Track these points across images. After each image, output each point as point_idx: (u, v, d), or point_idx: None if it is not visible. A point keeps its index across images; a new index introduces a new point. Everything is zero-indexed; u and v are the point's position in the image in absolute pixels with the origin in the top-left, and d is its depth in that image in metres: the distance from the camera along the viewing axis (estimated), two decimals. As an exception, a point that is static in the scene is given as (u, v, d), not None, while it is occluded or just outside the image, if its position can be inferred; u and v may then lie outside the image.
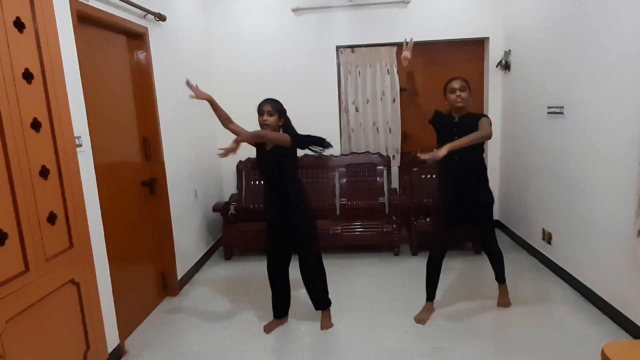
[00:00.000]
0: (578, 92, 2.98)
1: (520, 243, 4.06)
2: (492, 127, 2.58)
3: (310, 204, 2.72)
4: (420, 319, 2.78)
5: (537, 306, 2.92)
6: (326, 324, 2.78)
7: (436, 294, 2.87)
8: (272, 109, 2.53)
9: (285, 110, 2.60)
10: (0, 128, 1.48)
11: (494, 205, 2.87)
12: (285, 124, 2.61)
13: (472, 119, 2.62)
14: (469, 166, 2.66)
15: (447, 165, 2.61)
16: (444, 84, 2.69)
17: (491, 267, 2.94)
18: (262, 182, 4.15)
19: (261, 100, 2.57)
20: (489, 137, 2.52)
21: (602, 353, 1.64)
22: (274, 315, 2.83)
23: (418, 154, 2.52)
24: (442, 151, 2.29)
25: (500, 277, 2.94)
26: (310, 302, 2.82)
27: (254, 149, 2.65)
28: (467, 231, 3.58)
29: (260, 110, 2.55)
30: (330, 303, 2.83)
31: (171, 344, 2.67)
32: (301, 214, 2.64)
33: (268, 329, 2.77)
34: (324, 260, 2.77)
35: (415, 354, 2.46)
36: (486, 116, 2.64)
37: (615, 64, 2.57)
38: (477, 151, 2.66)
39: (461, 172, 2.66)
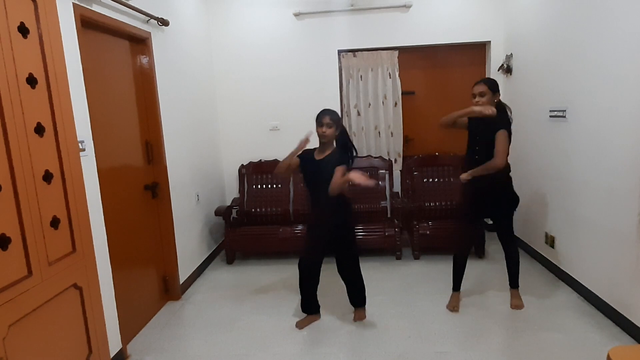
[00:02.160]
0: (580, 96, 2.99)
1: (523, 247, 4.04)
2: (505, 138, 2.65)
3: (353, 211, 2.85)
4: (452, 306, 2.96)
5: (540, 310, 2.91)
6: (359, 316, 2.90)
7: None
8: (330, 120, 2.59)
9: (341, 119, 2.64)
10: (4, 132, 1.48)
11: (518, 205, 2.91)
12: (341, 135, 2.67)
13: (491, 127, 2.66)
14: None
15: (469, 166, 2.82)
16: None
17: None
18: (273, 185, 4.21)
19: (320, 112, 2.61)
20: (498, 168, 2.64)
21: (608, 357, 1.62)
22: (307, 312, 2.91)
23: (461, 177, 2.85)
24: (464, 177, 2.80)
25: (513, 281, 2.99)
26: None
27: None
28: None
29: (319, 122, 2.60)
30: (365, 302, 2.94)
31: (173, 348, 2.66)
32: (347, 220, 2.76)
33: (300, 325, 2.85)
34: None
35: (419, 358, 2.45)
36: (504, 129, 2.64)
37: (617, 67, 2.57)
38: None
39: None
